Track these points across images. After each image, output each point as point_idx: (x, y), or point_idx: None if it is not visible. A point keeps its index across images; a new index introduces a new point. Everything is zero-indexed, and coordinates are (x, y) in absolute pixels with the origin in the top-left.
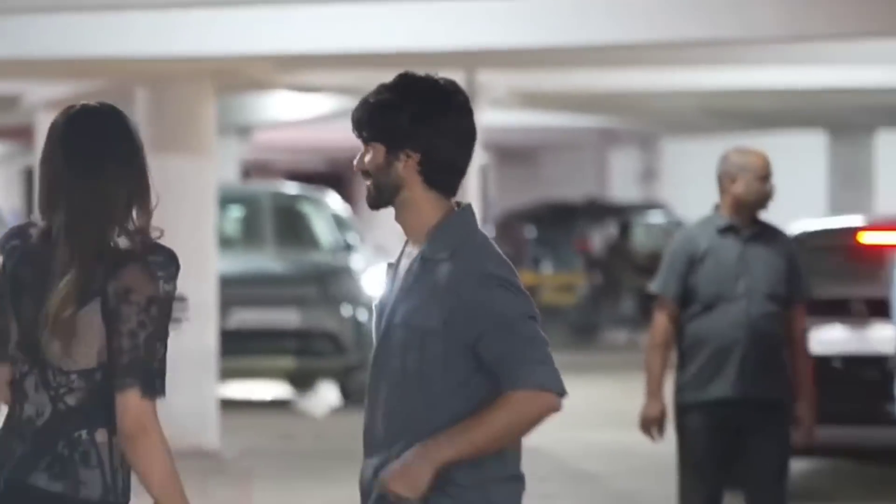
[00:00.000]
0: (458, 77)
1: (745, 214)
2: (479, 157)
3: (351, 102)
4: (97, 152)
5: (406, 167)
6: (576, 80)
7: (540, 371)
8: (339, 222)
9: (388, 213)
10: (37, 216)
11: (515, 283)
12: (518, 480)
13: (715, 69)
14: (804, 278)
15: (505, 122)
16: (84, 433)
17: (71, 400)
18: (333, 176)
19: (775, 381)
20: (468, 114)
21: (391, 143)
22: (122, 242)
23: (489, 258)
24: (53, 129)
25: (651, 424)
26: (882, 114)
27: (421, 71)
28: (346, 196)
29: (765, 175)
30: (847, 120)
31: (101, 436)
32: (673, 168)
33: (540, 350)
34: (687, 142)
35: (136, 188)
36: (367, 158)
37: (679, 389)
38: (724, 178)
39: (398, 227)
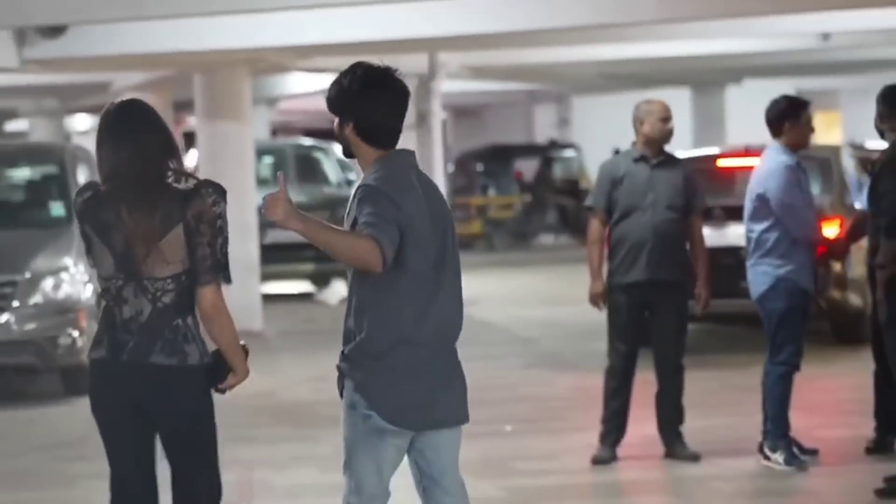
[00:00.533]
0: (423, 57)
1: (654, 147)
2: (440, 115)
3: None
4: (135, 127)
5: (349, 131)
6: (509, 57)
7: (381, 237)
8: (343, 165)
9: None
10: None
11: (378, 190)
12: (380, 357)
13: (609, 44)
14: (699, 195)
15: (459, 89)
16: (180, 321)
17: (166, 298)
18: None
19: (675, 267)
20: (390, 92)
21: (339, 115)
22: (182, 184)
23: (376, 178)
24: (105, 117)
25: (598, 298)
26: (730, 73)
27: (390, 54)
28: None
29: (665, 117)
30: (705, 79)
31: (189, 320)
32: (580, 118)
33: (382, 226)
34: (590, 98)
35: (167, 147)
36: (334, 125)
37: (609, 274)
38: (636, 122)
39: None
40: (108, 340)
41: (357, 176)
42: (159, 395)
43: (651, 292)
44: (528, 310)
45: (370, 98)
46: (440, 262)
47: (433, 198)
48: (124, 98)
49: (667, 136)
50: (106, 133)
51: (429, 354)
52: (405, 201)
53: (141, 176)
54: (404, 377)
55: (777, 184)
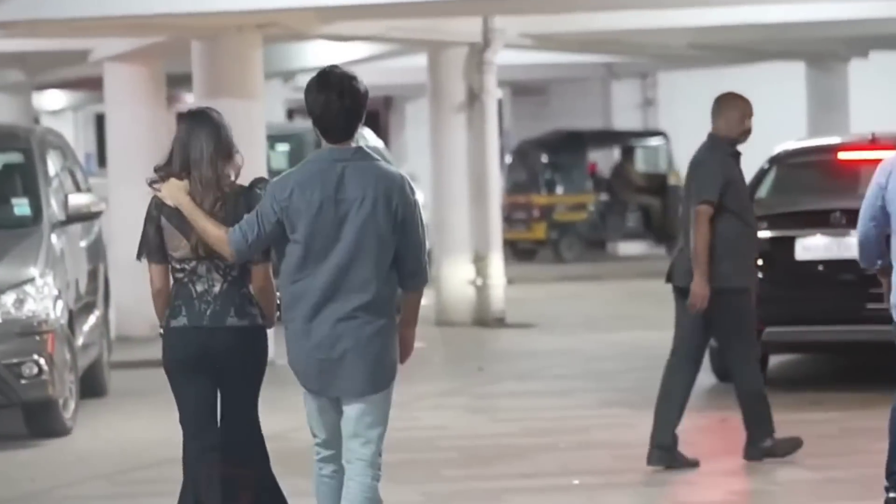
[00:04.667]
0: (475, 22)
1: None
2: (495, 93)
3: (380, 48)
4: (210, 139)
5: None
6: (580, 22)
7: (232, 233)
8: (374, 153)
9: (420, 146)
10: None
11: (269, 189)
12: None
13: (703, 8)
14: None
15: (519, 61)
16: (245, 290)
17: (234, 272)
18: (368, 113)
19: None
20: (323, 91)
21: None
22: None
23: (284, 174)
24: (190, 115)
25: (704, 301)
26: (854, 45)
27: (435, 17)
28: (380, 130)
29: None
30: (823, 51)
31: (248, 289)
32: (668, 98)
33: (245, 223)
34: (681, 74)
35: (225, 154)
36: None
37: (729, 276)
38: (744, 115)
39: (427, 159)
40: (186, 310)
41: (389, 162)
42: (234, 350)
43: None
44: (604, 335)
45: (309, 99)
46: (327, 248)
47: (350, 190)
48: (201, 107)
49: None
50: (184, 137)
51: (304, 326)
52: (293, 195)
53: (217, 172)
54: (294, 349)
55: None
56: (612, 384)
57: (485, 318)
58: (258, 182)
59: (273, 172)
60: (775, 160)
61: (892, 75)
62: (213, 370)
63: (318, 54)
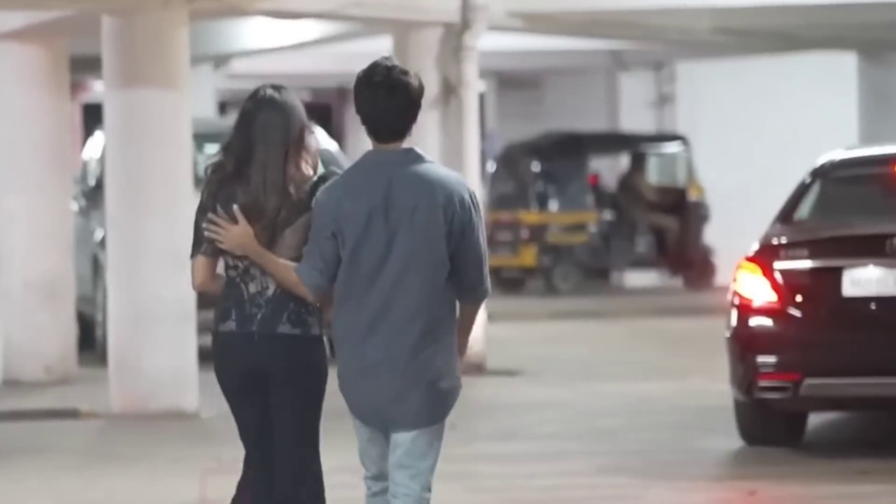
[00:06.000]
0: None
1: None
2: (476, 86)
3: (334, 29)
4: (278, 128)
5: None
6: (581, 0)
7: (300, 270)
8: (326, 158)
9: (363, 149)
10: (223, 157)
11: (318, 203)
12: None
13: None
14: None
15: (506, 47)
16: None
17: None
18: (319, 108)
19: None
20: (371, 86)
21: None
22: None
23: (333, 181)
24: (248, 107)
25: None
26: None
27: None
28: (332, 129)
29: None
30: (879, 38)
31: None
32: (689, 94)
33: (308, 255)
34: (704, 65)
35: (294, 147)
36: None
37: None
38: None
39: None
40: (236, 314)
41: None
42: (285, 362)
43: None
44: (605, 385)
45: (357, 94)
46: (378, 264)
47: (400, 198)
48: (271, 87)
49: None
50: (251, 118)
51: (355, 350)
52: (342, 205)
53: (277, 173)
54: (344, 374)
55: None
56: (613, 446)
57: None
58: (330, 174)
59: (200, 179)
60: (819, 173)
61: None
62: (267, 380)
63: (258, 35)
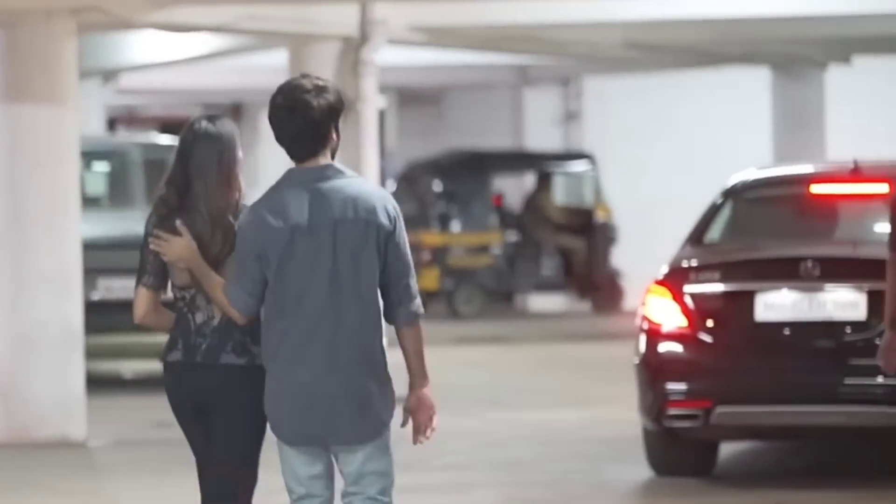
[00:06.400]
0: (350, 10)
1: None
2: (375, 102)
3: (228, 43)
4: (214, 162)
5: None
6: (486, 13)
7: (228, 291)
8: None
9: (274, 166)
10: (165, 192)
11: (241, 228)
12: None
13: None
14: None
15: (406, 61)
16: (247, 325)
17: None
18: None
19: None
20: (274, 108)
21: None
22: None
23: (253, 204)
24: (189, 135)
25: None
26: (833, 48)
27: (300, 4)
28: None
29: None
30: (794, 54)
31: (256, 324)
32: (596, 112)
33: (236, 277)
34: (613, 81)
35: (231, 177)
36: None
37: None
38: None
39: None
40: (182, 344)
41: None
42: (229, 391)
43: None
44: (511, 413)
45: (268, 116)
46: (303, 284)
47: (322, 214)
48: (206, 119)
49: None
50: (189, 148)
51: (283, 373)
52: (263, 226)
53: (221, 203)
54: (272, 395)
55: None
56: (520, 477)
57: None
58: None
59: (88, 199)
60: (731, 193)
61: (879, 86)
62: (211, 412)
63: (148, 48)
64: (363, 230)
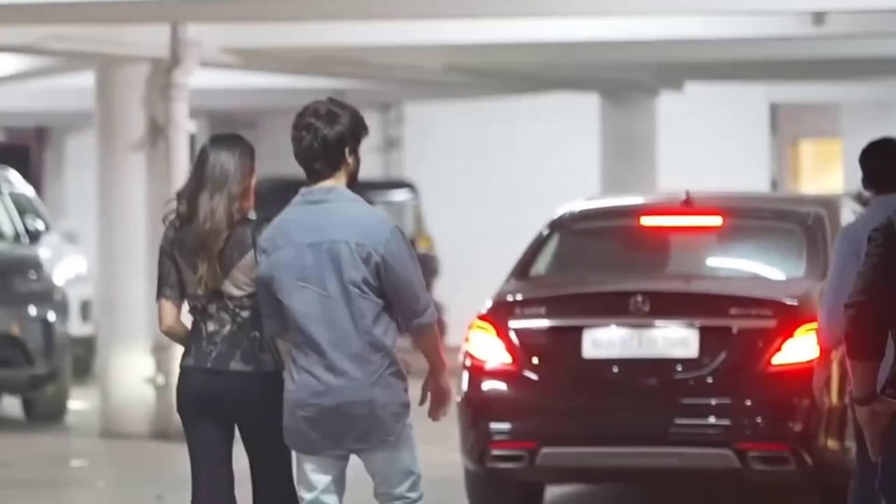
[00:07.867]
0: (161, 32)
1: None
2: (186, 126)
3: (31, 63)
4: (227, 172)
5: None
6: (302, 35)
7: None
8: (21, 205)
9: (79, 194)
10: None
11: (259, 242)
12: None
13: (464, 21)
14: None
15: (219, 84)
16: (256, 333)
17: (244, 314)
18: (14, 149)
19: None
20: (292, 132)
21: None
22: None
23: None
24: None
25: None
26: (664, 74)
27: (109, 24)
28: (30, 174)
29: None
30: (623, 79)
31: (259, 333)
32: (417, 137)
33: (263, 318)
34: (435, 106)
35: (240, 189)
36: None
37: None
38: None
39: (93, 213)
40: (195, 350)
41: (45, 223)
42: (238, 398)
43: None
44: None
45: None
46: (314, 302)
47: (323, 236)
48: (217, 135)
49: None
50: (203, 170)
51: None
52: (275, 246)
53: (226, 214)
54: (289, 408)
55: None
56: None
57: (167, 429)
58: (262, 222)
59: None
60: (557, 225)
61: (712, 113)
62: (221, 415)
63: None
64: (361, 253)
